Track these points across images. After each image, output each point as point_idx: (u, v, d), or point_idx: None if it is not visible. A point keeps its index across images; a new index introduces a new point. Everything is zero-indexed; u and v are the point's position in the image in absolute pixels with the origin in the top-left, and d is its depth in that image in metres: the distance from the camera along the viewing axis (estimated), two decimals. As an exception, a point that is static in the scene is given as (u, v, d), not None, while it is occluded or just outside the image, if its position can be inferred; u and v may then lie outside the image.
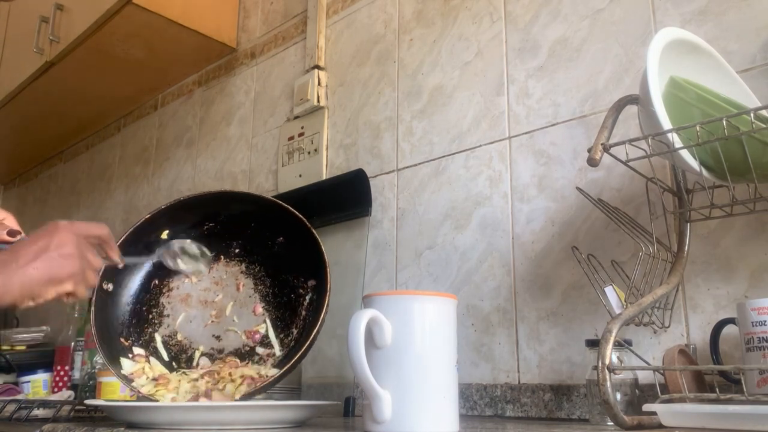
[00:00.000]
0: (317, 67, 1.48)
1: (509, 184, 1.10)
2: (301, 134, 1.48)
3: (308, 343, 0.92)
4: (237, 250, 1.07)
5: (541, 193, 1.06)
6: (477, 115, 1.17)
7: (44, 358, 1.70)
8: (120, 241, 0.99)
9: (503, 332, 1.05)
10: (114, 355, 0.96)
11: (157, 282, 1.05)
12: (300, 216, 1.01)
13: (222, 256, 1.07)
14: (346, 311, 1.29)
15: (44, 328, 1.91)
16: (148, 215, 1.02)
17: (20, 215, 0.92)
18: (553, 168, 1.05)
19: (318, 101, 1.46)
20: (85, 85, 1.94)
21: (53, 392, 1.56)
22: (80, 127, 2.29)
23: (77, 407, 0.99)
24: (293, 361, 0.92)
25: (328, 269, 0.96)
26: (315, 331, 0.92)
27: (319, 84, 1.47)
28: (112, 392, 1.29)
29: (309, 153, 1.45)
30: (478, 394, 1.05)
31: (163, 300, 1.05)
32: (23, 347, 1.84)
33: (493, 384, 1.04)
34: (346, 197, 1.32)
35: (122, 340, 0.99)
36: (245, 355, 1.00)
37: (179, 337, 1.02)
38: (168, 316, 1.04)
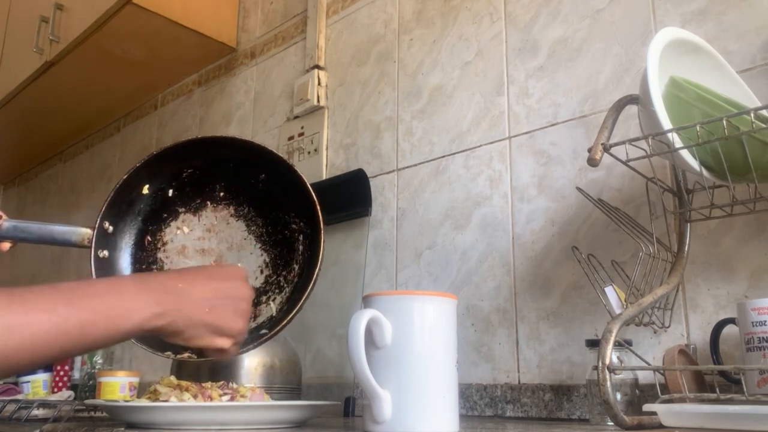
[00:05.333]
0: (317, 67, 1.48)
1: (509, 184, 1.10)
2: (301, 134, 1.48)
3: (313, 280, 0.91)
4: (222, 194, 1.06)
5: (541, 193, 1.06)
6: (477, 115, 1.17)
7: (44, 358, 1.70)
8: (104, 204, 0.98)
9: (503, 332, 1.05)
10: None
11: (150, 238, 1.04)
12: (278, 154, 1.00)
13: (208, 202, 1.05)
14: (346, 311, 1.29)
15: (44, 328, 1.91)
16: (125, 175, 1.00)
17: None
18: (553, 168, 1.05)
19: (318, 101, 1.46)
20: (84, 85, 1.94)
21: (53, 392, 1.56)
22: (80, 127, 2.29)
23: (77, 407, 0.99)
24: (304, 297, 0.90)
25: (317, 207, 0.95)
26: (316, 268, 0.91)
27: (319, 84, 1.47)
28: (112, 392, 1.29)
29: (309, 153, 1.45)
30: (478, 394, 1.04)
31: (160, 255, 1.03)
32: (23, 347, 1.83)
33: (493, 384, 1.04)
34: (346, 197, 1.32)
35: None
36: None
37: None
38: (169, 270, 1.03)
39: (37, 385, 1.61)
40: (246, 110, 1.70)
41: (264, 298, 0.98)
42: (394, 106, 1.32)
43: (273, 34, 1.67)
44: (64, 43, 1.74)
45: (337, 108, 1.44)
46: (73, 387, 1.53)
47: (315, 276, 0.91)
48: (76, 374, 1.56)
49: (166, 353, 0.90)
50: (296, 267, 0.99)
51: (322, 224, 0.94)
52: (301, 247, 1.00)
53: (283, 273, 1.00)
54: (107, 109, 2.14)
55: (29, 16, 1.93)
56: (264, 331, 0.93)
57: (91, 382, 1.47)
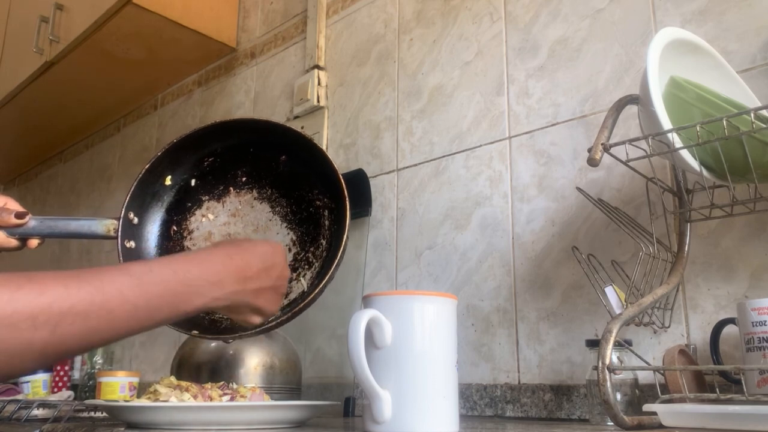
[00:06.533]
0: (317, 67, 1.48)
1: (509, 184, 1.10)
2: (301, 134, 1.48)
3: (342, 247, 0.92)
4: (244, 179, 1.06)
5: (541, 193, 1.06)
6: (477, 115, 1.17)
7: (44, 358, 1.70)
8: (128, 195, 0.99)
9: (503, 332, 1.05)
10: None
11: (175, 228, 1.05)
12: (295, 129, 1.01)
13: (231, 188, 1.06)
14: (346, 311, 1.29)
15: (44, 328, 1.91)
16: (147, 165, 1.01)
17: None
18: (553, 168, 1.05)
19: (318, 101, 1.46)
20: (84, 85, 1.95)
21: (53, 392, 1.56)
22: (80, 127, 2.29)
23: (77, 407, 0.99)
24: (332, 269, 0.92)
25: (340, 176, 0.95)
26: (344, 237, 0.92)
27: (319, 84, 1.47)
28: (112, 392, 1.29)
29: (309, 153, 1.45)
30: (478, 394, 1.04)
31: (187, 243, 1.04)
32: (23, 347, 1.83)
33: (493, 384, 1.04)
34: (346, 197, 1.32)
35: None
36: None
37: None
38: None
39: (37, 385, 1.61)
40: (246, 110, 1.70)
41: (294, 275, 0.99)
42: (394, 106, 1.32)
43: (273, 34, 1.67)
44: (64, 43, 1.74)
45: (337, 108, 1.44)
46: (73, 387, 1.53)
47: (343, 244, 0.92)
48: (76, 374, 1.56)
49: (192, 332, 0.92)
50: (324, 242, 1.00)
51: (346, 193, 0.94)
52: (327, 222, 1.00)
53: (311, 249, 1.00)
54: (107, 109, 2.14)
55: (29, 16, 1.93)
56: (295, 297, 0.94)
57: (91, 382, 1.47)
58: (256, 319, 0.74)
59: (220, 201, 1.06)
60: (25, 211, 0.86)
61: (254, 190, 1.05)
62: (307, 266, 1.00)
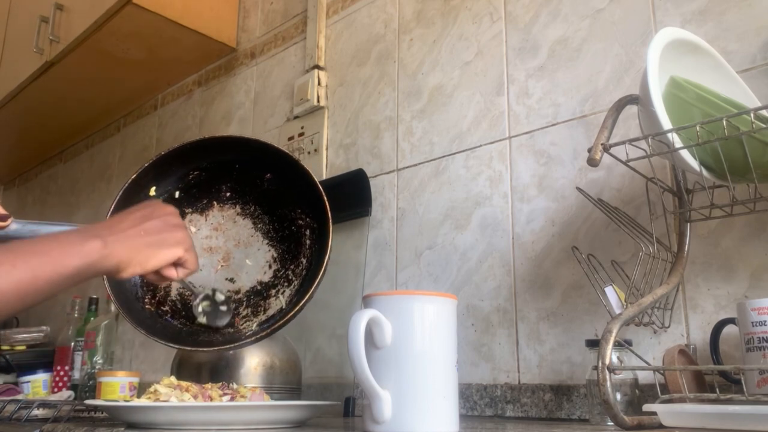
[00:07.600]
0: (317, 67, 1.48)
1: (509, 184, 1.10)
2: (301, 134, 1.48)
3: (323, 268, 0.93)
4: (228, 194, 1.08)
5: (541, 193, 1.06)
6: (477, 115, 1.17)
7: (44, 358, 1.70)
8: (112, 205, 1.00)
9: (503, 332, 1.05)
10: (141, 319, 0.97)
11: None
12: (282, 149, 1.03)
13: (215, 202, 1.07)
14: (346, 311, 1.29)
15: (44, 328, 1.91)
16: (134, 175, 1.02)
17: (20, 215, 0.91)
18: (553, 168, 1.05)
19: (318, 101, 1.46)
20: (85, 85, 1.94)
21: (53, 392, 1.56)
22: (80, 127, 2.29)
23: (77, 407, 0.99)
24: (312, 288, 0.93)
25: (325, 198, 0.97)
26: (326, 258, 0.93)
27: (319, 84, 1.47)
28: (112, 392, 1.29)
29: (309, 153, 1.45)
30: (478, 394, 1.05)
31: None
32: (23, 347, 1.84)
33: (493, 384, 1.04)
34: (346, 197, 1.32)
35: (140, 302, 1.00)
36: (261, 291, 1.01)
37: (194, 286, 1.03)
38: None
39: (37, 385, 1.61)
40: (246, 110, 1.70)
41: (273, 292, 1.00)
42: (394, 106, 1.32)
43: (273, 34, 1.67)
44: (64, 43, 1.74)
45: (337, 108, 1.44)
46: (73, 387, 1.53)
47: (324, 264, 0.93)
48: (76, 374, 1.56)
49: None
50: (304, 260, 1.01)
51: (329, 215, 0.96)
52: (308, 242, 1.02)
53: (291, 267, 1.01)
54: (107, 109, 2.14)
55: (29, 16, 1.93)
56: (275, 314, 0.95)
57: (91, 382, 1.46)
58: (173, 251, 0.72)
59: (203, 214, 1.07)
60: (7, 213, 0.87)
61: (237, 206, 1.07)
62: (286, 283, 1.01)
